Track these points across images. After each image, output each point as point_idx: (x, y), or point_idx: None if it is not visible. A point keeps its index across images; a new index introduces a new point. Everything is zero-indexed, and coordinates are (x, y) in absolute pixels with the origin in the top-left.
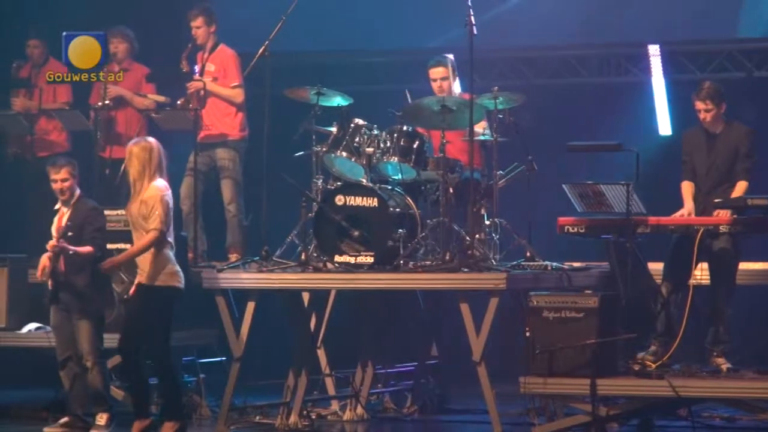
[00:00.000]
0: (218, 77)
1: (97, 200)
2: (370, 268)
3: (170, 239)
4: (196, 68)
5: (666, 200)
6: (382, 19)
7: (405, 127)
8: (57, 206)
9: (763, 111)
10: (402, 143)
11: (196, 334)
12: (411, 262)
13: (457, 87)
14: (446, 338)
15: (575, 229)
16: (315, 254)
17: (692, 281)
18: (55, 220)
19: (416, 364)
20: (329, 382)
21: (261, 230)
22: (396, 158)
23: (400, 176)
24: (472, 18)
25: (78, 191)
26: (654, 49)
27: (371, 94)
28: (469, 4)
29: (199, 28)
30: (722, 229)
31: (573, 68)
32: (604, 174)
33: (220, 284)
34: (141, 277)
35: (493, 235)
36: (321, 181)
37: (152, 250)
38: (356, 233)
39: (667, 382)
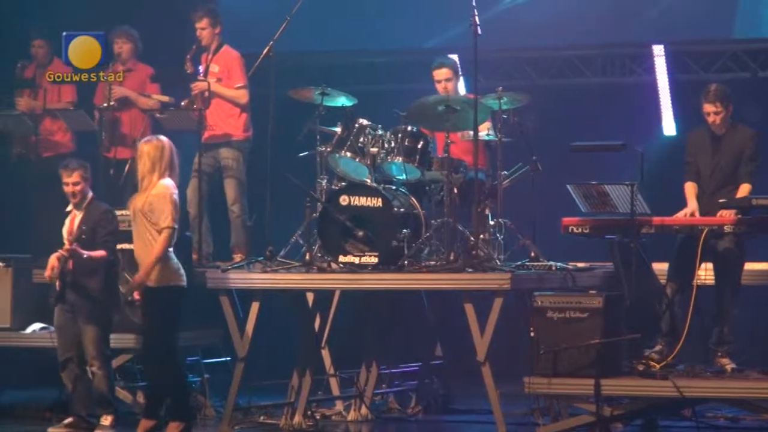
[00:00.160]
0: (222, 78)
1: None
2: (375, 268)
3: None
4: (201, 69)
5: (671, 200)
6: (386, 19)
7: (409, 128)
8: (69, 208)
9: None
10: (406, 143)
11: (201, 335)
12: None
13: (461, 87)
14: (450, 338)
15: (579, 230)
16: (319, 254)
17: (697, 281)
18: (67, 222)
19: (420, 364)
20: (333, 383)
21: (265, 230)
22: (400, 158)
23: (404, 176)
24: (477, 18)
25: (90, 194)
26: (658, 50)
27: (376, 94)
28: (474, 4)
29: (204, 29)
30: (727, 229)
31: (577, 68)
32: (608, 174)
33: (224, 284)
34: (141, 278)
35: (498, 235)
36: (325, 181)
37: (156, 249)
38: (360, 233)
39: (672, 383)
